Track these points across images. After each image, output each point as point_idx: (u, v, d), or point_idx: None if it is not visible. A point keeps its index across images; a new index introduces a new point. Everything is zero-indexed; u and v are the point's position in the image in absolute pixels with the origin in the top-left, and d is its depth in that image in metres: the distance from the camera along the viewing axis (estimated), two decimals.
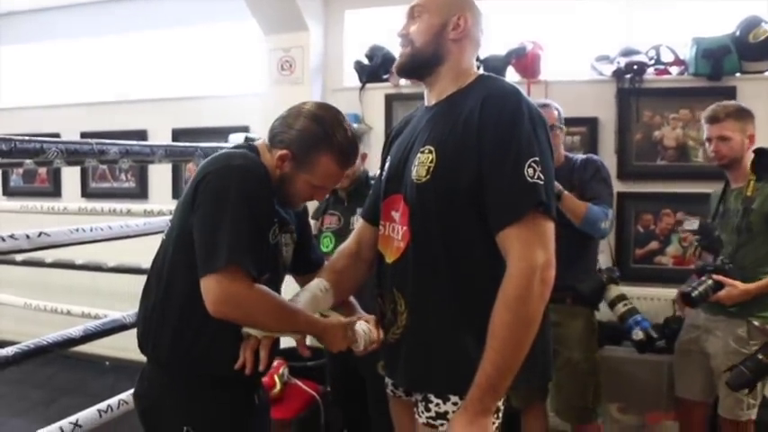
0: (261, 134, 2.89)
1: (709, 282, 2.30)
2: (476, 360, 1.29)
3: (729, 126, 2.41)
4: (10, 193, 5.01)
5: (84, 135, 4.35)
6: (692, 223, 2.45)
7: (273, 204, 1.49)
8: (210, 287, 1.32)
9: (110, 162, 2.65)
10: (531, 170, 1.29)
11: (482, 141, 1.32)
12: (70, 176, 4.76)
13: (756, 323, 2.32)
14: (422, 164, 1.40)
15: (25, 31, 5.01)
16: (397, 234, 1.47)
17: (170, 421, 1.48)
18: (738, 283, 2.28)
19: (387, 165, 1.59)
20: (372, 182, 2.53)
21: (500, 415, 1.40)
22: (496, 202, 1.32)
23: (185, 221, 1.42)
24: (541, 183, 1.30)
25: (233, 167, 1.39)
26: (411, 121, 1.61)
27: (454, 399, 1.37)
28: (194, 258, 1.36)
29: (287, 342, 1.60)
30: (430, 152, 1.40)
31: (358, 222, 1.79)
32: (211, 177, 1.38)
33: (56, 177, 4.87)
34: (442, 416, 1.39)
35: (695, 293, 2.30)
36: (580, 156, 2.72)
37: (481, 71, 1.57)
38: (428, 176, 1.38)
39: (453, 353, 1.37)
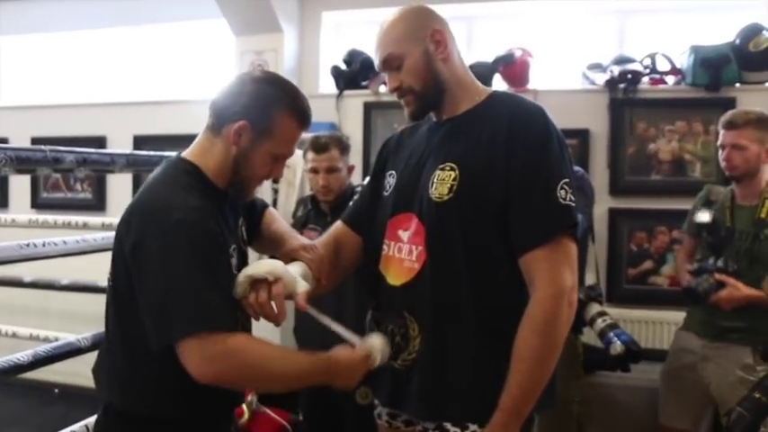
0: None
1: (711, 280, 2.24)
2: (497, 386, 1.31)
3: (747, 134, 2.27)
4: None
5: (35, 141, 4.20)
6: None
7: (224, 237, 1.37)
8: (187, 354, 1.23)
9: (65, 171, 2.47)
10: (563, 192, 1.33)
11: (511, 162, 1.34)
12: (18, 185, 4.62)
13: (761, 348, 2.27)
14: (442, 181, 1.40)
15: None
16: (408, 255, 1.46)
17: None
18: (741, 285, 2.20)
19: (393, 181, 1.55)
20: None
21: None
22: (526, 223, 1.34)
23: (124, 285, 1.32)
24: (573, 204, 1.34)
25: (175, 225, 1.25)
26: (414, 134, 1.58)
27: (473, 427, 1.36)
28: (126, 312, 1.32)
29: None
30: (452, 169, 1.40)
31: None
32: (154, 244, 1.25)
33: (2, 186, 4.72)
34: None
35: (701, 288, 2.23)
36: None
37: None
38: (451, 194, 1.38)
39: (474, 379, 1.37)
